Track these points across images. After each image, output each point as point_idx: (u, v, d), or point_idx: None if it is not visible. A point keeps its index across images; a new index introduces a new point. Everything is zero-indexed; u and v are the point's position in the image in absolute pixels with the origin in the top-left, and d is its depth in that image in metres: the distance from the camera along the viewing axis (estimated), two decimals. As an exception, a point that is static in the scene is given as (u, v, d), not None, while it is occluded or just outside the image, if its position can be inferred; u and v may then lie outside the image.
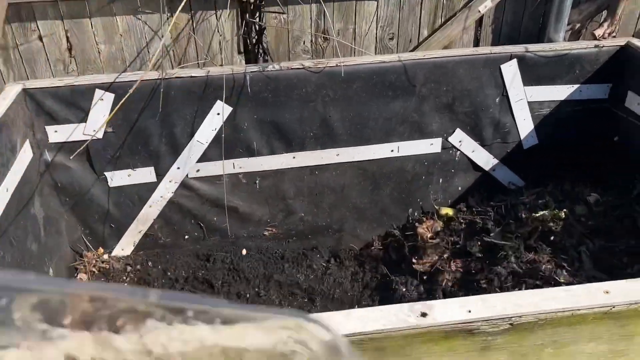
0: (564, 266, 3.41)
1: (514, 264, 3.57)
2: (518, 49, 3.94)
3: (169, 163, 3.89)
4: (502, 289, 3.48)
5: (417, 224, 4.33)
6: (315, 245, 4.51)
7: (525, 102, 4.10)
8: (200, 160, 3.92)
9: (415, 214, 4.52)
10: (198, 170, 3.96)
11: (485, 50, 3.91)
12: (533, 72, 3.99)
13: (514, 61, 3.93)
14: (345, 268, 4.40)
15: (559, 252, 3.56)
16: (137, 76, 3.53)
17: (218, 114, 3.75)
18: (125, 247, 4.16)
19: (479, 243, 3.89)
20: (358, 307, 4.10)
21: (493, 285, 3.56)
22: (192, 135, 3.81)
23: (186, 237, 4.22)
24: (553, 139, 4.27)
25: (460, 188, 4.45)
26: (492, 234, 3.89)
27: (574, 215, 3.76)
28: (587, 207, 3.83)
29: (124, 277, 4.11)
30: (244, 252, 4.33)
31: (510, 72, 3.95)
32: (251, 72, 3.65)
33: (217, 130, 3.81)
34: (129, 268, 4.16)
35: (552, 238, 3.60)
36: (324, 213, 4.34)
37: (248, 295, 4.19)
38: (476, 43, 4.37)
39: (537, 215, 3.71)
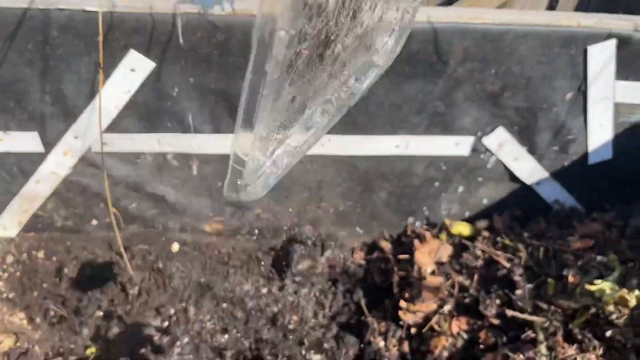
0: (620, 386, 2.26)
1: (542, 357, 2.41)
2: (623, 23, 2.45)
3: (60, 130, 2.60)
4: (521, 400, 2.36)
5: (416, 242, 3.12)
6: (274, 246, 3.32)
7: (611, 102, 2.69)
8: (109, 130, 2.61)
9: (417, 224, 3.28)
10: (106, 144, 2.66)
11: (568, 20, 2.41)
12: (636, 62, 2.53)
13: (612, 42, 2.46)
14: (310, 284, 3.25)
15: (614, 354, 2.38)
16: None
17: (133, 70, 2.38)
18: (8, 225, 2.98)
19: (498, 302, 2.70)
20: (318, 351, 3.02)
21: (507, 382, 2.43)
22: (92, 96, 2.46)
23: (94, 222, 3.03)
24: (635, 158, 2.90)
25: (485, 201, 3.17)
26: (518, 293, 2.69)
27: (644, 288, 2.53)
28: (668, 280, 2.59)
29: (0, 272, 2.98)
30: (175, 247, 3.16)
31: (601, 58, 2.49)
32: (186, 14, 2.22)
33: (132, 93, 2.46)
34: (9, 258, 3.01)
35: (608, 333, 2.40)
36: (290, 212, 3.11)
37: (172, 312, 3.09)
38: (550, 6, 2.82)
39: (591, 288, 2.47)
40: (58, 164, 2.72)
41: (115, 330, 2.99)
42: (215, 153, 2.75)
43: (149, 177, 2.83)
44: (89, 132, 2.61)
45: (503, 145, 2.84)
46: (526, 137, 2.81)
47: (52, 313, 2.95)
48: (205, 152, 2.74)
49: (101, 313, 3.04)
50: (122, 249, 3.02)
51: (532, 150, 2.88)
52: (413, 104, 2.59)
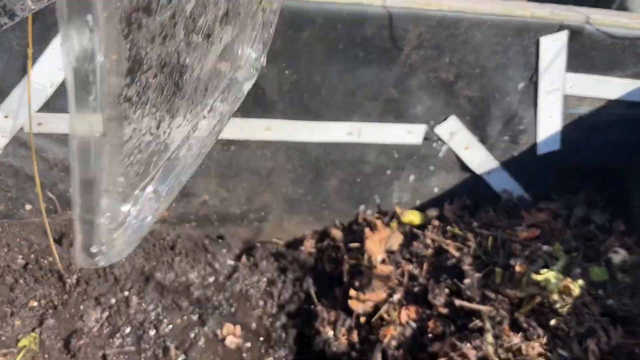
0: (562, 373, 2.31)
1: (489, 346, 2.43)
2: (575, 16, 2.46)
3: (-11, 108, 2.39)
4: (467, 389, 2.37)
5: (367, 230, 3.08)
6: (222, 234, 3.22)
7: (561, 94, 2.71)
8: (44, 109, 2.43)
9: (369, 212, 3.25)
10: (40, 124, 2.48)
11: (522, 10, 2.40)
12: (586, 55, 2.56)
13: (564, 34, 2.47)
14: (259, 272, 3.17)
15: (558, 342, 2.42)
16: None
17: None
18: None
19: (447, 292, 2.71)
20: (264, 339, 2.96)
21: (454, 371, 2.44)
22: (24, 72, 2.27)
23: (27, 207, 2.84)
24: (581, 150, 2.96)
25: (436, 190, 3.17)
26: (467, 282, 2.70)
27: (586, 278, 2.59)
28: (608, 270, 2.65)
29: None
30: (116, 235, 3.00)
31: (553, 49, 2.50)
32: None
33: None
34: None
35: (552, 321, 2.44)
36: (239, 199, 3.01)
37: (113, 301, 2.95)
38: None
39: (537, 277, 2.51)
40: (-14, 145, 2.52)
41: (50, 321, 2.83)
42: (160, 136, 2.61)
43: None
44: (20, 111, 2.42)
45: (455, 134, 2.82)
46: (478, 126, 2.80)
47: (-20, 304, 2.76)
48: (148, 135, 2.60)
49: (35, 303, 2.87)
50: (50, 238, 2.86)
51: (483, 140, 2.88)
52: (367, 90, 2.53)
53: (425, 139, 2.83)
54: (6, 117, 2.44)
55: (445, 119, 2.75)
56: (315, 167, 2.90)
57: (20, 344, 2.68)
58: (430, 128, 2.78)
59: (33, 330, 2.77)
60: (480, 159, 2.98)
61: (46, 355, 2.70)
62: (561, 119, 2.82)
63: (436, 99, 2.63)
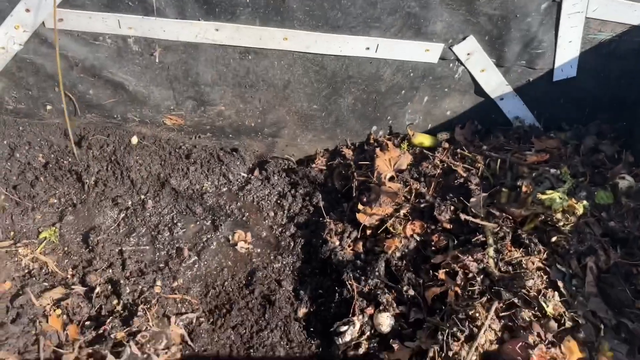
0: (559, 286, 2.40)
1: (490, 260, 2.53)
2: None
3: (11, 1, 2.42)
4: (462, 296, 2.48)
5: (378, 150, 3.14)
6: (237, 147, 3.29)
7: (583, 17, 2.68)
8: (64, 5, 2.45)
9: (381, 133, 3.29)
10: (61, 20, 2.50)
11: None
12: (613, -25, 2.52)
13: (593, -49, 2.42)
14: (271, 185, 3.26)
15: (557, 259, 2.51)
16: None
17: (91, -64, 2.20)
18: (-45, 105, 2.83)
19: (453, 209, 2.79)
20: (274, 246, 3.08)
21: (454, 280, 2.55)
22: (47, -37, 2.28)
23: (48, 107, 2.90)
24: (598, 78, 2.95)
25: (449, 113, 3.19)
26: (473, 200, 2.77)
27: (590, 201, 2.64)
28: (614, 194, 2.71)
29: (-53, 153, 2.85)
30: (134, 140, 3.09)
31: (580, -33, 2.46)
32: None
33: (90, -37, 2.29)
34: (-43, 139, 2.87)
35: (553, 238, 2.52)
36: (255, 111, 3.05)
37: (129, 203, 3.06)
38: None
39: (542, 197, 2.57)
40: (9, 38, 2.55)
41: (70, 217, 2.95)
42: (179, 40, 2.64)
43: (108, 62, 2.71)
44: (42, 5, 2.44)
45: (472, 54, 2.82)
46: (496, 48, 2.80)
47: (1, 197, 2.88)
48: (168, 38, 2.62)
49: (55, 200, 2.99)
50: (70, 136, 2.94)
51: (499, 63, 2.88)
52: (387, 1, 2.52)
53: (442, 58, 2.84)
54: (27, 10, 2.46)
55: (463, 38, 2.74)
56: (331, 83, 2.92)
57: (41, 236, 2.81)
58: (448, 47, 2.77)
59: (53, 224, 2.90)
60: (495, 83, 2.98)
61: (66, 248, 2.83)
62: (580, 44, 2.81)
63: (456, 16, 2.62)
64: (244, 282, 2.90)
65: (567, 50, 2.83)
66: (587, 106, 3.12)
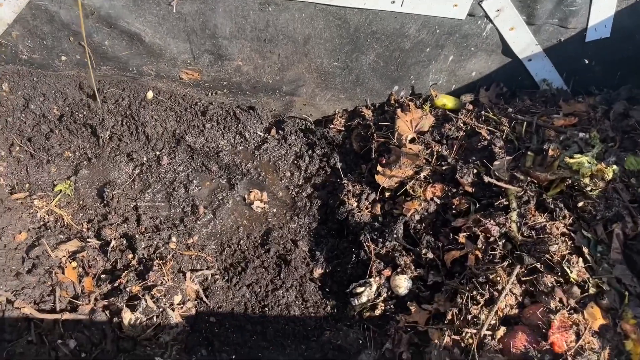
0: (583, 252, 2.33)
1: (513, 224, 2.46)
2: None
3: (25, -58, 2.33)
4: (482, 260, 2.43)
5: (399, 110, 3.05)
6: (254, 105, 3.22)
7: (622, -27, 2.54)
8: (79, -52, 2.36)
9: (402, 93, 3.20)
10: (77, -35, 2.41)
11: None
12: None
13: None
14: (288, 145, 3.20)
15: (583, 224, 2.44)
16: None
17: None
18: (-31, 54, 2.77)
19: (475, 172, 2.71)
20: (290, 206, 3.03)
21: (475, 244, 2.49)
22: None
23: (63, 58, 2.84)
24: (631, 40, 2.82)
25: (474, 74, 3.09)
26: (496, 163, 2.69)
27: (620, 166, 2.55)
28: (644, 161, 2.61)
29: (-38, 102, 2.81)
30: (150, 95, 3.02)
31: None
32: None
33: None
34: (-29, 88, 2.83)
35: (580, 203, 2.44)
36: (273, 67, 2.96)
37: (144, 159, 3.02)
38: None
39: (570, 160, 2.48)
40: (23, -16, 2.47)
41: (85, 171, 2.91)
42: (198, -11, 2.54)
43: (124, 11, 2.62)
44: (57, -52, 2.35)
45: (502, 11, 2.70)
46: (527, 4, 2.67)
47: (17, 148, 2.84)
48: (186, -14, 2.53)
49: (70, 154, 2.95)
50: (94, 86, 2.88)
51: (530, 21, 2.76)
52: (415, -49, 2.40)
53: (470, 14, 2.72)
54: (43, -46, 2.38)
55: (494, -7, 2.62)
56: (353, 38, 2.82)
57: (56, 189, 2.78)
58: (477, 2, 2.65)
59: (68, 178, 2.87)
60: (524, 42, 2.86)
61: (81, 202, 2.81)
62: (616, 2, 2.67)
63: (488, -32, 2.49)
64: (259, 241, 2.87)
65: (602, 9, 2.69)
66: (619, 69, 3.00)
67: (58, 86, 2.92)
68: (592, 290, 2.23)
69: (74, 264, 2.44)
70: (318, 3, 2.62)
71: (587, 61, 2.94)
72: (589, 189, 2.44)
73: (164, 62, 2.88)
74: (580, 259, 2.32)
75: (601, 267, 2.30)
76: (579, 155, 2.53)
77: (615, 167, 2.45)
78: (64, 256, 2.45)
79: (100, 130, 2.95)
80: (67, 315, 2.20)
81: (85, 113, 2.93)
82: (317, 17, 2.71)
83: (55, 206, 2.72)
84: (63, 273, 2.37)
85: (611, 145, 2.67)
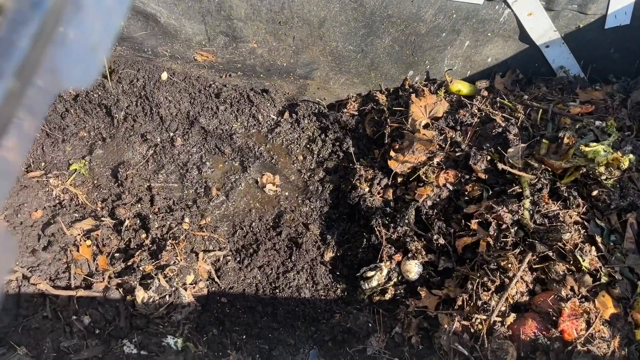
0: (596, 241, 2.32)
1: (525, 211, 2.45)
2: None
3: None
4: (494, 247, 2.42)
5: (413, 96, 3.03)
6: (267, 88, 3.21)
7: (644, -42, 2.49)
8: None
9: (417, 79, 3.18)
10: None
11: None
12: None
13: None
14: (300, 129, 3.20)
15: (597, 213, 2.43)
16: None
17: None
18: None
19: (488, 159, 2.70)
20: (302, 190, 3.04)
21: (487, 231, 2.49)
22: None
23: (79, 38, 2.83)
24: (654, 26, 2.77)
25: (490, 60, 3.06)
26: (510, 151, 2.68)
27: (636, 155, 2.52)
28: (660, 151, 2.58)
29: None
30: (164, 76, 3.03)
31: None
32: None
33: None
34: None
35: (594, 192, 2.42)
36: (288, 50, 2.95)
37: (158, 140, 3.04)
38: None
39: (586, 149, 2.46)
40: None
41: (99, 151, 2.94)
42: (213, -30, 2.53)
43: (140, -8, 2.62)
44: None
45: (520, -4, 2.66)
46: (546, -11, 2.63)
47: (34, 127, 2.87)
48: (202, -33, 2.51)
49: (85, 134, 2.97)
50: (107, 71, 2.89)
51: (549, 6, 2.72)
52: None
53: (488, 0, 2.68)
54: None
55: (512, -23, 2.58)
56: (369, 22, 2.80)
57: (72, 168, 2.81)
58: (495, -13, 2.62)
59: (83, 157, 2.89)
60: (542, 29, 2.83)
61: (95, 181, 2.83)
62: (638, -11, 2.62)
63: (507, -48, 2.45)
64: (271, 223, 2.88)
65: (624, -5, 2.65)
66: (638, 57, 2.95)
67: (73, 66, 2.93)
68: (603, 279, 2.22)
69: (89, 242, 2.47)
70: (334, -15, 2.60)
71: (605, 48, 2.89)
72: (603, 177, 2.42)
73: (178, 43, 2.88)
74: (593, 248, 2.31)
75: (614, 257, 2.29)
76: (594, 144, 2.50)
77: (631, 156, 2.43)
78: (79, 234, 2.49)
79: (115, 111, 2.96)
80: (81, 292, 2.24)
81: (100, 93, 2.95)
82: (333, 0, 2.69)
83: (70, 185, 2.75)
84: (78, 251, 2.40)
85: (628, 134, 2.64)
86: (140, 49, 2.90)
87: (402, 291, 2.55)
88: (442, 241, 2.57)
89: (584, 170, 2.48)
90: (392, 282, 2.57)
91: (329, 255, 2.77)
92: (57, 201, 2.67)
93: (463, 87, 3.10)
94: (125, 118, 3.00)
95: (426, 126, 2.96)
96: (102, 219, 2.62)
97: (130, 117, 3.01)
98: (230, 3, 2.67)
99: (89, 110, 2.97)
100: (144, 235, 2.59)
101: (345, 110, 3.26)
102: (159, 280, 2.31)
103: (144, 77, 3.00)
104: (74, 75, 0.62)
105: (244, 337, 2.40)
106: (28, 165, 2.78)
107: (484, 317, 2.21)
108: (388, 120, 3.04)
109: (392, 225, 2.69)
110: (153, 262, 2.40)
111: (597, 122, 2.65)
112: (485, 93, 3.01)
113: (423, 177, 2.79)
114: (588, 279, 2.22)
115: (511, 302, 2.26)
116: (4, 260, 0.62)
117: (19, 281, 2.22)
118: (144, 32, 2.81)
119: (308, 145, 3.18)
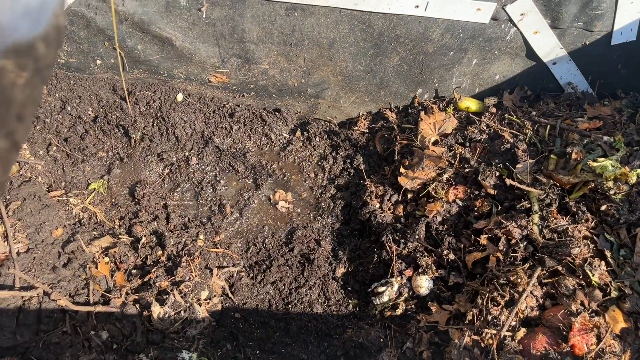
0: (606, 255, 2.34)
1: (534, 226, 2.48)
2: None
3: (64, -48, 2.43)
4: (504, 262, 2.45)
5: (422, 113, 3.09)
6: (279, 107, 3.29)
7: (648, -24, 2.53)
8: (115, -43, 2.46)
9: (426, 96, 3.23)
10: (112, -27, 2.52)
11: None
12: None
13: None
14: (312, 147, 3.26)
15: (606, 228, 2.44)
16: None
17: None
18: None
19: (497, 174, 2.73)
20: (314, 207, 3.10)
21: (496, 246, 2.52)
22: None
23: (98, 62, 2.96)
24: (661, 42, 2.80)
25: (497, 77, 3.10)
26: (519, 166, 2.71)
27: (644, 171, 2.54)
28: (669, 165, 2.59)
29: None
30: (180, 97, 3.12)
31: None
32: None
33: None
34: (12, 91, 2.96)
35: (603, 207, 2.44)
36: (299, 71, 3.03)
37: (174, 159, 3.12)
38: None
39: (594, 164, 2.48)
40: (61, -8, 2.59)
41: (117, 171, 3.03)
42: (226, -5, 2.63)
43: (156, 17, 2.72)
44: (94, -43, 2.46)
45: (526, 15, 2.71)
46: (551, 8, 2.68)
47: (54, 148, 2.97)
48: (215, -7, 2.61)
49: (104, 154, 3.07)
50: (125, 88, 3.00)
51: (555, 25, 2.76)
52: (439, -43, 2.44)
53: (494, 18, 2.74)
54: (81, -37, 2.49)
55: (518, -3, 2.63)
56: (377, 42, 2.87)
57: (90, 187, 2.90)
58: (501, 6, 2.67)
59: (102, 177, 2.99)
60: (548, 46, 2.87)
61: (113, 200, 2.92)
62: (643, 6, 2.66)
63: (511, -27, 2.52)
64: (283, 240, 2.94)
65: (628, 12, 2.69)
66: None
67: (93, 89, 3.05)
68: (614, 294, 2.23)
69: (107, 259, 2.55)
70: (343, 8, 2.68)
71: (612, 64, 2.92)
72: (612, 192, 2.44)
73: (193, 66, 2.98)
74: (603, 262, 2.32)
75: (624, 271, 2.30)
76: (602, 159, 2.53)
77: (639, 170, 2.44)
78: (97, 251, 2.56)
79: (132, 131, 3.06)
80: (99, 308, 2.30)
81: (118, 114, 3.05)
82: (342, 22, 2.76)
83: (89, 204, 2.84)
84: (96, 267, 2.48)
85: (636, 149, 2.66)
86: (157, 71, 3.00)
87: (413, 306, 2.58)
88: (452, 256, 2.60)
89: (593, 185, 2.50)
90: (403, 297, 2.60)
91: (340, 270, 2.82)
92: (76, 219, 2.76)
93: (471, 104, 3.15)
94: (142, 138, 3.10)
95: (435, 143, 3.00)
96: (120, 236, 2.70)
97: (147, 137, 3.10)
98: (243, 27, 2.77)
99: (107, 131, 3.07)
100: (160, 252, 2.66)
101: (355, 128, 3.32)
102: (175, 296, 2.37)
103: (160, 99, 3.09)
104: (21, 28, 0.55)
105: (258, 352, 2.44)
106: (49, 185, 2.88)
107: (494, 331, 2.23)
108: (398, 137, 3.09)
109: (402, 240, 2.72)
110: (169, 278, 2.47)
111: (605, 138, 2.67)
112: (494, 110, 3.05)
113: (433, 193, 2.83)
114: (598, 293, 2.23)
115: (521, 316, 2.28)
116: None
117: (40, 297, 2.30)
118: (160, 55, 2.91)
119: (319, 163, 3.24)
